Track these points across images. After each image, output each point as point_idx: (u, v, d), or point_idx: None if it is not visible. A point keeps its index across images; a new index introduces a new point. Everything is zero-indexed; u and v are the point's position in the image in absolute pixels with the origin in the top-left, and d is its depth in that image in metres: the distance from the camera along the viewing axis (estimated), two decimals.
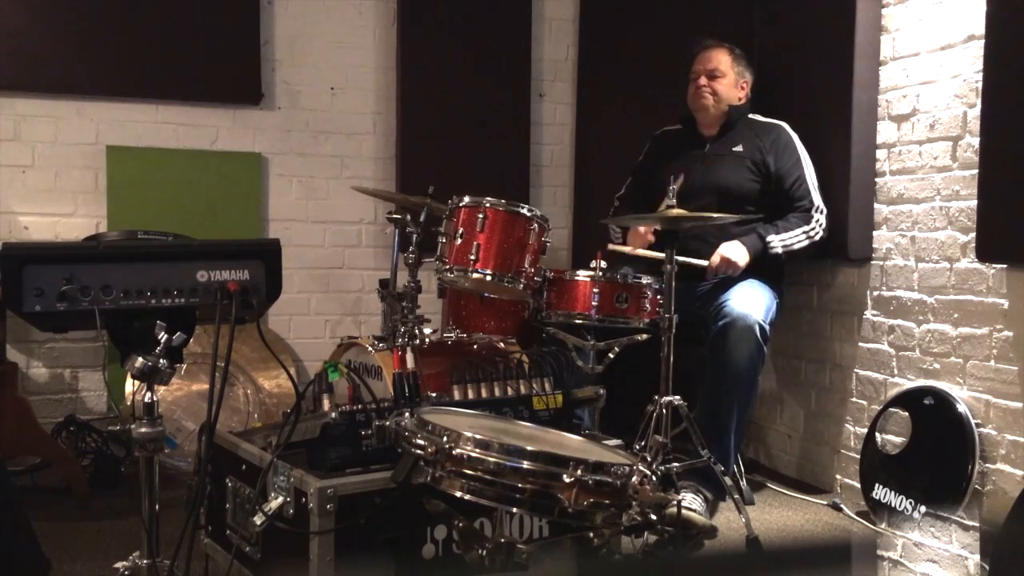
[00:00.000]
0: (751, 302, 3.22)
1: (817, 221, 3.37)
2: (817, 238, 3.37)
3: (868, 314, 3.49)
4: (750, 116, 3.58)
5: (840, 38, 3.46)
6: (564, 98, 4.59)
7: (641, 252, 3.34)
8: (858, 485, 3.36)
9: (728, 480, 3.00)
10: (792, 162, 3.42)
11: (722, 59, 3.54)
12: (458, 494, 1.63)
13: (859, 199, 3.44)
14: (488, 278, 3.00)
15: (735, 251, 3.28)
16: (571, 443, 1.95)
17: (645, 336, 3.13)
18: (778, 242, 3.32)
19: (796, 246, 3.34)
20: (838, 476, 3.60)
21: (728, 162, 3.49)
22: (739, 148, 3.49)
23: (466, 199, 3.04)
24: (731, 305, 3.20)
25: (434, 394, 2.51)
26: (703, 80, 3.53)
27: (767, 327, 3.21)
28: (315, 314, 4.26)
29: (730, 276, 3.30)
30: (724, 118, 3.55)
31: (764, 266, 3.38)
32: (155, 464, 2.02)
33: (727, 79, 3.52)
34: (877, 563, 2.78)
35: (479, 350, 3.11)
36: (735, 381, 3.17)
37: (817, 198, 3.39)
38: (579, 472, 1.59)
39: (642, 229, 3.45)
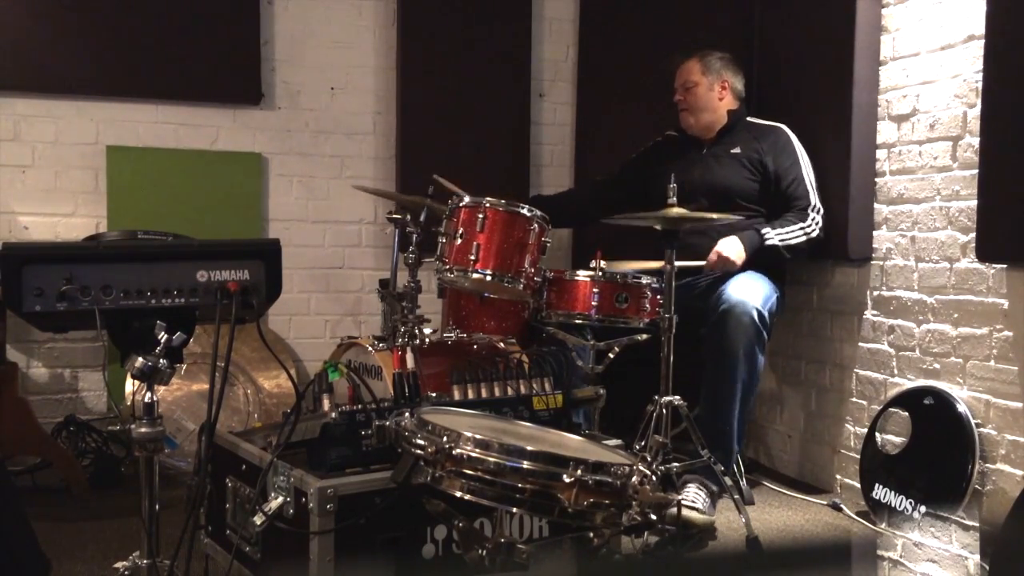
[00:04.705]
0: (749, 290, 3.23)
1: (813, 219, 3.38)
2: (814, 235, 3.37)
3: (868, 314, 3.49)
4: (748, 119, 3.60)
5: (840, 38, 3.46)
6: (564, 98, 4.58)
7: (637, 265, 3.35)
8: (858, 485, 3.36)
9: (728, 480, 3.00)
10: (790, 162, 3.43)
11: (692, 69, 3.60)
12: (458, 494, 1.62)
13: (859, 199, 3.44)
14: (488, 278, 3.00)
15: (731, 247, 3.28)
16: (571, 443, 1.95)
17: (645, 336, 3.13)
18: (774, 234, 3.33)
19: (793, 241, 3.35)
20: (838, 476, 3.60)
21: (726, 163, 3.52)
22: (737, 150, 3.52)
23: (466, 199, 3.04)
24: (729, 292, 3.22)
25: (434, 394, 2.51)
26: (678, 95, 3.62)
27: (766, 314, 3.21)
28: (315, 314, 4.26)
29: (730, 269, 3.31)
30: (721, 123, 3.58)
31: (764, 261, 3.39)
32: (155, 464, 2.02)
33: (700, 87, 3.57)
34: (877, 563, 2.78)
35: (479, 350, 3.11)
36: (735, 367, 3.17)
37: (814, 197, 3.40)
38: (579, 472, 1.59)
39: None
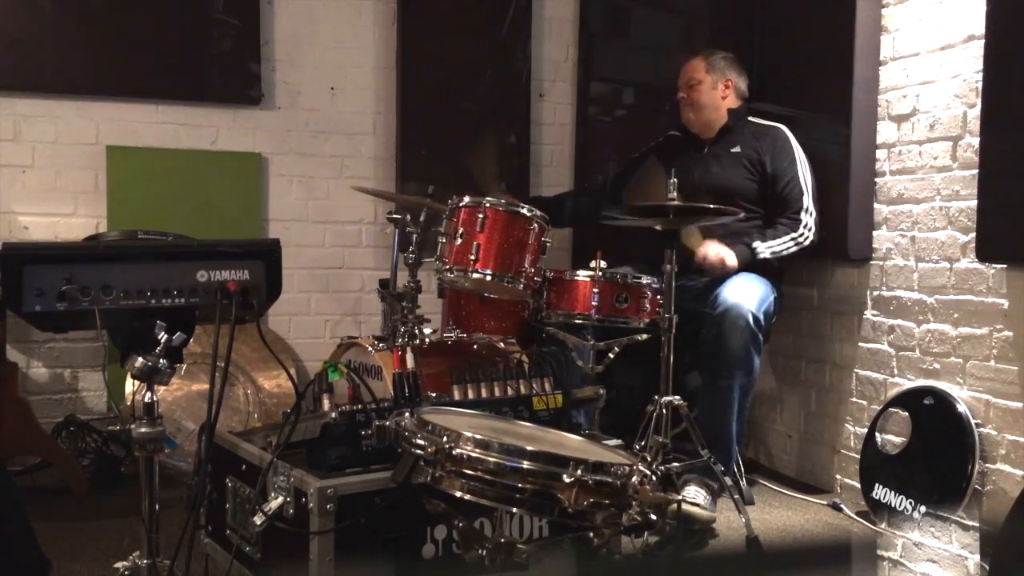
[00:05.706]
0: (744, 292, 3.25)
1: (805, 225, 3.39)
2: (806, 243, 3.40)
3: (868, 314, 3.48)
4: (750, 119, 3.61)
5: (840, 38, 3.46)
6: (564, 98, 4.58)
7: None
8: (858, 485, 3.36)
9: (728, 480, 3.00)
10: (787, 163, 3.44)
11: (697, 67, 3.63)
12: (458, 494, 1.62)
13: (859, 199, 3.44)
14: (488, 278, 3.00)
15: (725, 250, 3.31)
16: (571, 443, 1.95)
17: (645, 336, 3.13)
18: (765, 248, 3.35)
19: (784, 252, 3.38)
20: (838, 476, 3.60)
21: (725, 163, 3.53)
22: (737, 149, 3.54)
23: (466, 199, 3.04)
24: (725, 295, 3.23)
25: (434, 394, 2.51)
26: (681, 92, 3.65)
27: (761, 316, 3.22)
28: (315, 314, 4.26)
29: (720, 274, 3.31)
30: (722, 122, 3.59)
31: (760, 266, 3.39)
32: (155, 464, 2.02)
33: (704, 84, 3.60)
34: (877, 563, 2.78)
35: (479, 350, 3.11)
36: (731, 369, 3.19)
37: (807, 201, 3.41)
38: (579, 472, 1.59)
39: None
